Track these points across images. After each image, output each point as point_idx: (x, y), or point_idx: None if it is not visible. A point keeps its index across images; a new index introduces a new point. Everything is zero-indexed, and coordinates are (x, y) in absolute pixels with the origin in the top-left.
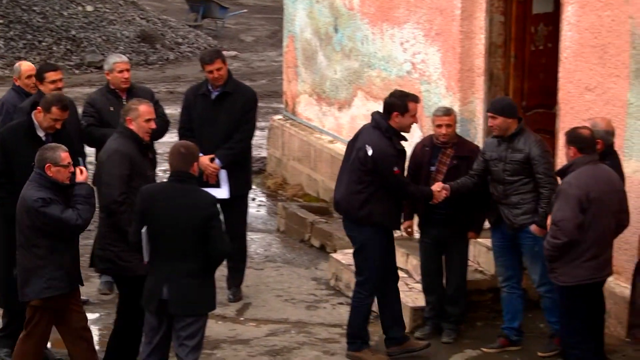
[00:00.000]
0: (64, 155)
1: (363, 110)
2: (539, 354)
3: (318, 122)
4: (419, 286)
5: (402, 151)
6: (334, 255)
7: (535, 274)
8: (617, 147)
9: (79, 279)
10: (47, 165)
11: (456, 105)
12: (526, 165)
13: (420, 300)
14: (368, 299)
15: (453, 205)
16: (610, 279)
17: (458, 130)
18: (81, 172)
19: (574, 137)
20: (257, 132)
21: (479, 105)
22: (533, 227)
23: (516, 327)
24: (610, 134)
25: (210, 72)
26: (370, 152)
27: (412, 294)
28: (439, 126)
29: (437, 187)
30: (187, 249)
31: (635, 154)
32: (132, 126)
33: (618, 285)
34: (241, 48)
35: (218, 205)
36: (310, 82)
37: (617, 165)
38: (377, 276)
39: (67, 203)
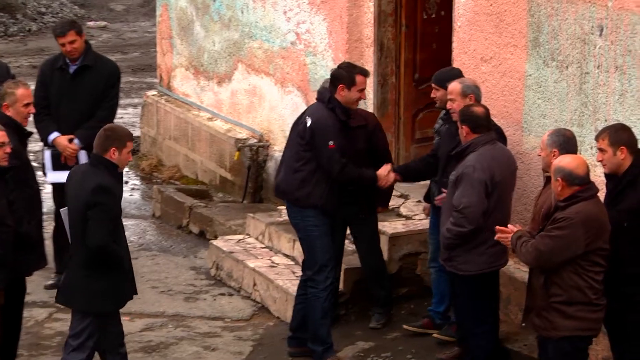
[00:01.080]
0: None
1: (244, 84)
2: (435, 335)
3: (196, 97)
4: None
5: (345, 125)
6: (214, 242)
7: None
8: (514, 122)
9: None
10: None
11: None
12: None
13: None
14: (323, 293)
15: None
16: (509, 263)
17: None
18: None
19: (467, 115)
20: (130, 110)
21: (369, 78)
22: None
23: (442, 311)
24: (478, 88)
25: (63, 45)
26: (309, 123)
27: (299, 282)
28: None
29: (384, 169)
30: (78, 236)
31: (534, 129)
32: (10, 112)
33: (519, 270)
34: (111, 18)
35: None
36: (186, 54)
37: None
38: (329, 265)
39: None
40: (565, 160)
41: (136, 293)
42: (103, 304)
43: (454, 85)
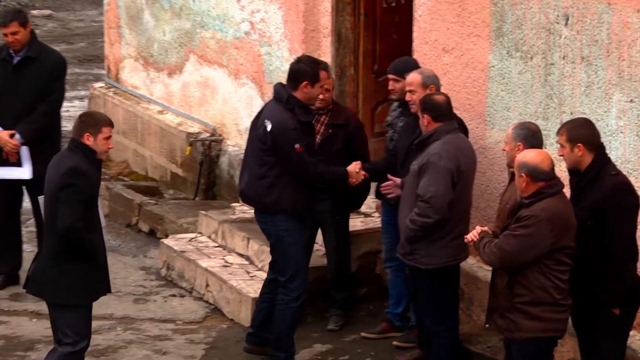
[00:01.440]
0: None
1: (196, 76)
2: (394, 342)
3: (145, 90)
4: (262, 274)
5: (308, 125)
6: (165, 241)
7: None
8: (477, 115)
9: None
10: None
11: None
12: None
13: None
14: (295, 303)
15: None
16: (472, 261)
17: None
18: None
19: (428, 104)
20: (76, 103)
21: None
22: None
23: (400, 313)
24: (437, 78)
25: (5, 35)
26: (269, 128)
27: (254, 283)
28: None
29: (354, 166)
30: (52, 223)
31: (497, 122)
32: None
33: (481, 269)
34: (56, 6)
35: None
36: (135, 44)
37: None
38: (303, 272)
39: None
40: (529, 155)
41: (110, 291)
42: (73, 296)
43: (414, 76)
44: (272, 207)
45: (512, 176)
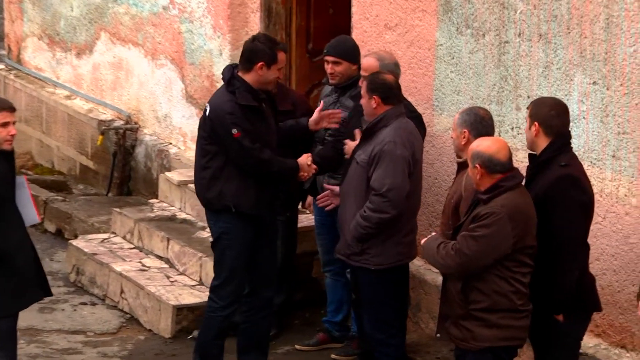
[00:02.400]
0: None
1: (108, 56)
2: (332, 356)
3: (51, 72)
4: (184, 279)
5: (252, 109)
6: (74, 242)
7: None
8: (424, 99)
9: None
10: None
11: (226, 48)
12: None
13: (186, 297)
14: (223, 311)
15: None
16: (419, 263)
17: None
18: None
19: (377, 84)
20: None
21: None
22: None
23: (339, 321)
24: (398, 67)
25: None
26: (207, 112)
27: (174, 289)
28: None
29: (305, 159)
30: None
31: (446, 107)
32: None
33: (429, 272)
34: None
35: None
36: (39, 21)
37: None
38: (237, 280)
39: None
40: (484, 144)
41: (40, 297)
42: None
43: (371, 62)
44: (214, 202)
45: (459, 167)
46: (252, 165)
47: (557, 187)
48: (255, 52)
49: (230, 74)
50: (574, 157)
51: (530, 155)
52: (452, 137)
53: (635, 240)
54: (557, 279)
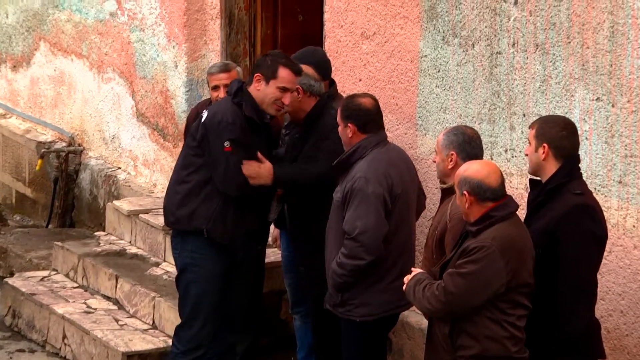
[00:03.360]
0: None
1: (49, 69)
2: None
3: None
4: (134, 323)
5: (257, 127)
6: (10, 280)
7: None
8: (406, 118)
9: None
10: None
11: (182, 60)
12: None
13: (137, 343)
14: (182, 357)
15: None
16: None
17: (185, 97)
18: None
19: (352, 109)
20: None
21: (214, 60)
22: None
23: None
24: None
25: None
26: (204, 118)
27: (124, 333)
28: (215, 88)
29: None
30: None
31: (431, 126)
32: None
33: (413, 313)
34: None
35: None
36: None
37: None
38: (202, 321)
39: None
40: (472, 168)
41: None
42: None
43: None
44: (183, 222)
45: (443, 194)
46: (230, 186)
47: (571, 218)
48: (257, 63)
49: (238, 86)
50: (585, 184)
51: (532, 181)
52: (434, 161)
53: None
54: (564, 322)
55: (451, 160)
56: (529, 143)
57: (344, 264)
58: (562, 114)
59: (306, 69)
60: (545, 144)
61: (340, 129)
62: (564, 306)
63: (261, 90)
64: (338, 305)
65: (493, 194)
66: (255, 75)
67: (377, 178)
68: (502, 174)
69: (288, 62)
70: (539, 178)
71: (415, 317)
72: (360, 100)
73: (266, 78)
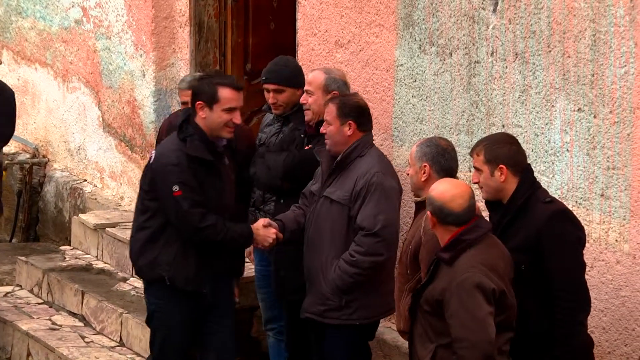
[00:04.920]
0: None
1: (12, 78)
2: None
3: None
4: (101, 340)
5: (203, 163)
6: None
7: None
8: (381, 129)
9: None
10: None
11: (150, 69)
12: None
13: None
14: None
15: None
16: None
17: (153, 107)
18: None
19: (350, 107)
20: None
21: (183, 69)
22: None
23: None
24: (348, 86)
25: None
26: (151, 160)
27: (90, 351)
28: (186, 103)
29: (263, 223)
30: None
31: (407, 137)
32: None
33: (390, 330)
34: None
35: None
36: None
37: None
38: None
39: None
40: (438, 189)
41: None
42: None
43: (317, 75)
44: (145, 271)
45: (417, 207)
46: (190, 233)
47: (553, 227)
48: (194, 91)
49: (184, 116)
50: (546, 190)
51: (490, 204)
52: (408, 174)
53: (628, 293)
54: (564, 332)
55: (424, 173)
56: (478, 170)
57: (359, 262)
58: (541, 125)
59: (335, 69)
60: (502, 166)
61: (333, 128)
62: (562, 320)
63: (207, 118)
64: (334, 310)
65: (455, 219)
66: (196, 104)
67: (390, 172)
68: (471, 197)
69: (225, 81)
70: (500, 200)
71: (391, 334)
72: (357, 99)
73: (208, 104)
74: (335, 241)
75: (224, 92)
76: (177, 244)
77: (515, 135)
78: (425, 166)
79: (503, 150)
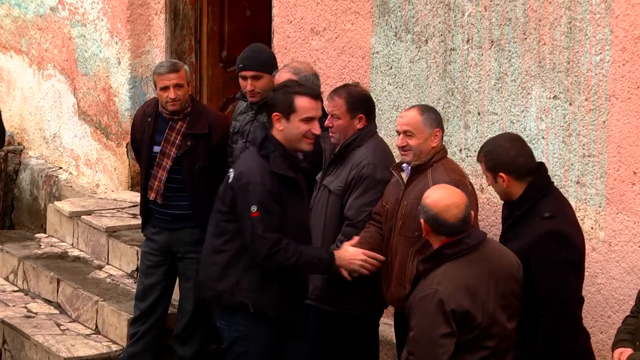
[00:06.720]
0: None
1: None
2: None
3: None
4: (77, 327)
5: (287, 182)
6: None
7: None
8: None
9: None
10: None
11: (126, 56)
12: None
13: (79, 349)
14: None
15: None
16: None
17: (129, 94)
18: None
19: (360, 99)
20: None
21: (159, 57)
22: None
23: None
24: (318, 77)
25: None
26: (231, 178)
27: (66, 338)
28: (165, 89)
29: (350, 245)
30: None
31: (383, 124)
32: None
33: (381, 324)
34: None
35: None
36: None
37: None
38: None
39: None
40: (433, 197)
41: None
42: None
43: (286, 76)
44: (226, 297)
45: (413, 172)
46: (261, 258)
47: (540, 247)
48: (269, 102)
49: (263, 134)
50: (559, 198)
51: (505, 202)
52: (399, 146)
53: (603, 281)
54: (544, 351)
55: (436, 138)
56: (485, 176)
57: None
58: (517, 113)
59: (302, 66)
60: (501, 173)
61: (343, 122)
62: (543, 339)
63: (285, 130)
64: (329, 298)
65: (448, 230)
66: (272, 115)
67: (383, 165)
68: (467, 206)
69: (302, 89)
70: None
71: (382, 328)
72: (364, 90)
73: (285, 115)
74: (328, 230)
75: (301, 101)
76: (258, 268)
77: (491, 123)
78: (437, 132)
79: (501, 158)
